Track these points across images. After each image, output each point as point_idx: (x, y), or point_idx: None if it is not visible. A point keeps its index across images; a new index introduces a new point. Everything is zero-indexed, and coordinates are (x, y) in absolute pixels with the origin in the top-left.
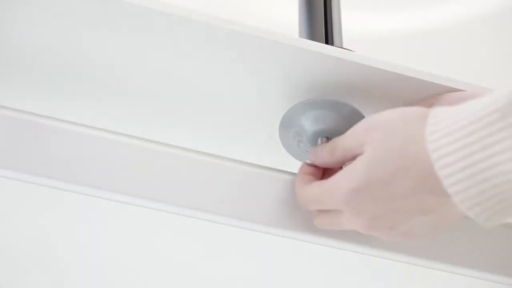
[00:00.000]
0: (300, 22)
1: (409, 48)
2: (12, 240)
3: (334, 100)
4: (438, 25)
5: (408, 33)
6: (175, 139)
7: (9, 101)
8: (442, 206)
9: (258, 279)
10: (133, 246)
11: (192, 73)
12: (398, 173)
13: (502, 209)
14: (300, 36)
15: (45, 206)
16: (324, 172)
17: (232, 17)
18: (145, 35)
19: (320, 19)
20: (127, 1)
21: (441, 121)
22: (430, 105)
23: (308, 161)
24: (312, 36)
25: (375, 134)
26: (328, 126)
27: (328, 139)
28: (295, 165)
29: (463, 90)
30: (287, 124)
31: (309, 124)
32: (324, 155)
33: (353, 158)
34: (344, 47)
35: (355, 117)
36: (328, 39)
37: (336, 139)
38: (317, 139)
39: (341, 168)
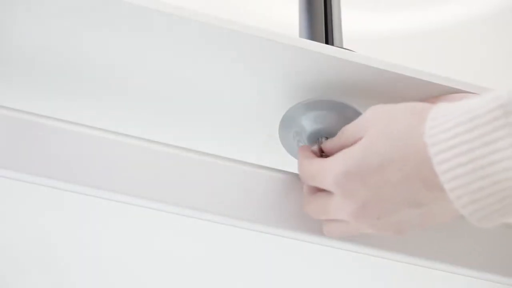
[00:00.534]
0: (300, 22)
1: (409, 48)
2: (12, 240)
3: (334, 100)
4: (438, 25)
5: (408, 33)
6: (175, 139)
7: (9, 101)
8: (435, 201)
9: (258, 279)
10: (133, 246)
11: (192, 73)
12: (392, 162)
13: (502, 207)
14: (300, 36)
15: (45, 206)
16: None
17: (232, 17)
18: (145, 35)
19: (320, 19)
20: (127, 1)
21: (441, 116)
22: None
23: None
24: (312, 36)
25: (377, 122)
26: (328, 126)
27: (327, 139)
28: (295, 165)
29: (463, 90)
30: (287, 124)
31: (309, 124)
32: (334, 138)
33: (355, 143)
34: (344, 47)
35: (355, 117)
36: (328, 39)
37: (346, 126)
38: (317, 139)
39: None
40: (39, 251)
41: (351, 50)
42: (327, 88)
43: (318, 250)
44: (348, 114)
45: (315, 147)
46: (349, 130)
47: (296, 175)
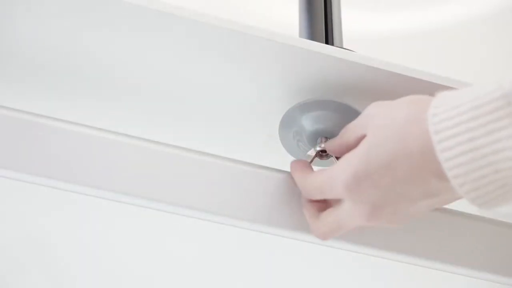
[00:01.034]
0: (300, 22)
1: (409, 48)
2: (12, 240)
3: (334, 100)
4: (438, 25)
5: (408, 33)
6: (175, 139)
7: (9, 101)
8: (445, 190)
9: (258, 279)
10: (133, 246)
11: (192, 73)
12: (399, 155)
13: (503, 193)
14: (300, 36)
15: (45, 206)
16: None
17: (232, 17)
18: (145, 35)
19: (320, 19)
20: (127, 1)
21: (444, 104)
22: None
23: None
24: (312, 36)
25: (377, 114)
26: (327, 126)
27: (327, 139)
28: None
29: None
30: (287, 124)
31: (309, 124)
32: (336, 138)
33: (358, 142)
34: (344, 47)
35: (355, 117)
36: (328, 39)
37: (347, 124)
38: (317, 139)
39: None
40: (39, 251)
41: (351, 50)
42: (327, 88)
43: (318, 250)
44: (348, 114)
45: (305, 159)
46: (351, 128)
47: None
